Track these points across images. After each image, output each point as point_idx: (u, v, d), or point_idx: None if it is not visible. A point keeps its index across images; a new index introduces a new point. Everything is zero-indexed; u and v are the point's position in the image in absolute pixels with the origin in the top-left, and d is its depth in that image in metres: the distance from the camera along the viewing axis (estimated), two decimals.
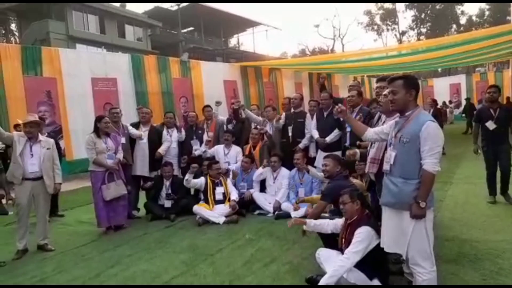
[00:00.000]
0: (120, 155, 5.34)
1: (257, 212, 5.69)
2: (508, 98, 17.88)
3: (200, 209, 5.39)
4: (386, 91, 3.43)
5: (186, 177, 5.52)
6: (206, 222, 5.29)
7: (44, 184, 4.49)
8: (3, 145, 6.70)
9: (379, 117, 3.66)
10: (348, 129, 5.11)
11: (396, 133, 2.76)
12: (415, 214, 2.57)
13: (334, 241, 3.34)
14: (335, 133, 5.62)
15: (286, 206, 5.53)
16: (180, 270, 3.73)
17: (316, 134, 5.90)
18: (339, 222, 3.33)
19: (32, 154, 4.43)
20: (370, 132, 3.10)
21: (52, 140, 4.83)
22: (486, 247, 3.76)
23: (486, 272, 3.27)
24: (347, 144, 5.15)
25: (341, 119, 5.41)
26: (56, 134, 8.55)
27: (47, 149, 4.56)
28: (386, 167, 2.81)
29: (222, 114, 7.47)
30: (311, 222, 3.46)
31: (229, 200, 5.55)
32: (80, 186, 7.79)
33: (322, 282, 2.90)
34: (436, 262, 2.73)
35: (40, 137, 4.61)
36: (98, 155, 5.06)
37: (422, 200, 2.54)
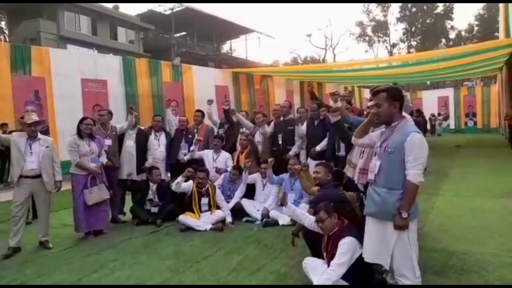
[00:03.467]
0: (104, 159, 5.20)
1: (245, 219, 5.64)
2: None
3: (186, 218, 5.30)
4: (370, 103, 3.45)
5: (178, 180, 5.43)
6: (189, 228, 5.21)
7: (43, 182, 4.53)
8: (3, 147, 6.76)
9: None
10: None
11: (381, 143, 2.77)
12: (397, 225, 2.57)
13: (321, 251, 3.31)
14: (325, 141, 5.63)
15: (274, 213, 5.50)
16: (165, 277, 3.66)
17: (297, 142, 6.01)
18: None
19: (31, 153, 4.49)
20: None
21: (50, 139, 4.88)
22: (473, 260, 3.78)
23: (472, 284, 3.28)
24: (340, 153, 5.14)
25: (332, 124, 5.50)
26: (44, 134, 8.42)
27: (46, 147, 4.62)
28: (370, 176, 2.82)
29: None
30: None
31: (217, 208, 5.49)
32: (65, 188, 7.63)
33: None
34: (423, 274, 2.73)
35: (39, 135, 4.65)
36: (81, 158, 4.94)
37: (405, 211, 2.54)
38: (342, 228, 3.05)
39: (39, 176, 4.53)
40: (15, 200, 4.48)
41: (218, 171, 6.20)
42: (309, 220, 3.40)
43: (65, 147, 9.01)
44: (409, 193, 2.56)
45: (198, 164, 6.21)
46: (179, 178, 5.44)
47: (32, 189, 4.52)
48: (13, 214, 4.47)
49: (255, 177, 5.94)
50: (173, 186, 5.48)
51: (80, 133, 5.01)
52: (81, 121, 5.07)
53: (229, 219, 5.44)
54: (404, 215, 2.53)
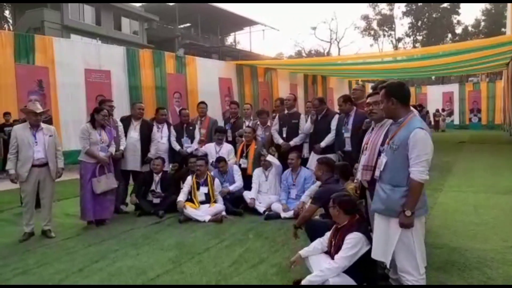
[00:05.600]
0: (113, 149, 5.27)
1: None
2: None
3: (185, 208, 5.32)
4: (369, 100, 3.41)
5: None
6: (188, 219, 5.23)
7: (49, 170, 4.64)
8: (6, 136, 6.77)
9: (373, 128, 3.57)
10: (347, 134, 5.10)
11: (389, 140, 2.74)
12: (401, 223, 2.55)
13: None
14: (330, 137, 5.59)
15: (276, 206, 5.49)
16: (166, 268, 3.67)
17: (280, 140, 6.13)
18: (327, 236, 3.27)
19: (36, 142, 4.57)
20: None
21: (53, 127, 4.95)
22: (475, 256, 3.76)
23: (475, 281, 3.26)
24: (346, 148, 5.13)
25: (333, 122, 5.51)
26: (47, 123, 8.44)
27: (50, 136, 4.69)
28: (376, 173, 2.80)
29: (216, 111, 7.43)
30: (304, 251, 3.30)
31: (215, 202, 5.51)
32: (68, 178, 7.65)
33: (305, 281, 2.89)
34: (425, 270, 2.70)
35: (42, 124, 4.70)
36: (91, 146, 4.99)
37: (408, 209, 2.51)
38: (351, 222, 3.02)
39: (45, 164, 4.61)
40: (23, 189, 4.60)
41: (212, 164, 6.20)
42: (324, 243, 3.28)
43: (67, 138, 9.21)
44: (413, 191, 2.53)
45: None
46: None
47: (38, 177, 4.60)
48: (24, 202, 4.62)
49: (257, 172, 5.94)
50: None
51: (93, 123, 5.06)
52: (97, 112, 5.10)
53: (223, 212, 5.45)
54: (408, 213, 2.50)
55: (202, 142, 6.49)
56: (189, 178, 5.64)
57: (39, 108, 4.63)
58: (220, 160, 5.98)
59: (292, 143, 6.07)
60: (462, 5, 44.02)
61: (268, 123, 6.71)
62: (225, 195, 5.71)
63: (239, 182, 5.92)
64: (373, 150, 3.14)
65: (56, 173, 4.74)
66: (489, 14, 43.19)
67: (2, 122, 9.14)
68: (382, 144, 2.87)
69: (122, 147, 5.56)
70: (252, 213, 5.56)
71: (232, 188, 5.83)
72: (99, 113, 5.07)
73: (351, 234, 2.91)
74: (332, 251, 3.07)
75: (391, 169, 2.66)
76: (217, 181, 5.70)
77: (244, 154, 6.23)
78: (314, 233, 3.54)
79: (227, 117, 7.34)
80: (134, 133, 5.93)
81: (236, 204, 5.68)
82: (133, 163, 5.88)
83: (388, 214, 2.66)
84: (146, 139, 5.97)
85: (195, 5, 31.43)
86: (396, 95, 2.69)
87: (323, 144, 5.61)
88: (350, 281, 2.91)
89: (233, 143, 6.61)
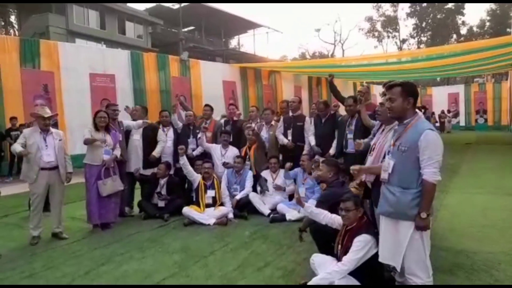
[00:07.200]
0: (118, 152, 5.28)
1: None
2: None
3: (190, 211, 5.33)
4: (382, 100, 3.39)
5: (182, 161, 5.51)
6: (193, 222, 5.24)
7: (59, 174, 4.69)
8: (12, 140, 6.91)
9: (380, 126, 3.60)
10: (350, 136, 5.08)
11: (394, 141, 2.71)
12: (418, 226, 2.52)
13: (329, 247, 3.29)
14: (336, 143, 5.59)
15: (281, 207, 5.48)
16: (172, 271, 3.67)
17: (312, 141, 5.90)
18: (336, 218, 3.26)
19: (47, 146, 4.63)
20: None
21: (61, 132, 5.02)
22: (482, 258, 3.73)
23: (482, 283, 3.24)
24: (347, 150, 5.11)
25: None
26: (53, 127, 8.49)
27: (59, 140, 4.75)
28: (384, 175, 2.76)
29: (220, 114, 7.42)
30: (309, 208, 3.46)
31: (220, 204, 5.52)
32: (74, 182, 7.66)
33: (312, 282, 2.89)
34: (432, 272, 2.69)
35: (51, 129, 4.76)
36: (94, 149, 4.99)
37: (424, 211, 2.49)
38: (360, 224, 3.01)
39: (56, 168, 4.66)
40: (33, 192, 4.62)
41: (226, 165, 6.20)
42: (328, 218, 3.34)
43: (73, 142, 9.25)
44: (427, 192, 2.51)
45: (206, 157, 6.21)
46: (182, 160, 5.56)
47: (49, 180, 4.64)
48: (34, 206, 4.63)
49: (264, 175, 5.98)
50: (181, 161, 5.57)
51: (96, 126, 5.10)
52: (95, 114, 5.17)
53: (230, 215, 5.46)
54: (423, 215, 2.49)
55: (205, 130, 6.42)
56: (199, 175, 5.63)
57: (47, 113, 4.70)
58: (238, 157, 6.02)
59: (305, 153, 6.04)
60: (466, 5, 43.81)
61: (272, 123, 6.69)
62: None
63: (247, 189, 5.88)
64: (380, 152, 3.13)
65: (65, 177, 4.79)
66: (494, 14, 42.91)
67: (8, 127, 9.20)
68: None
69: (117, 152, 5.37)
70: (257, 216, 5.54)
71: (238, 197, 5.78)
72: (96, 116, 5.13)
73: (360, 237, 2.90)
74: (339, 252, 3.05)
75: (400, 171, 2.63)
76: (223, 185, 5.74)
77: (248, 156, 6.25)
78: (319, 235, 3.53)
79: (226, 119, 7.34)
80: (137, 135, 5.95)
81: (241, 208, 5.67)
82: (135, 165, 5.88)
83: (396, 217, 2.63)
84: (148, 142, 5.96)
85: (198, 9, 31.51)
86: (414, 95, 2.68)
87: (331, 151, 5.62)
88: (355, 282, 2.90)
89: (234, 144, 6.60)
